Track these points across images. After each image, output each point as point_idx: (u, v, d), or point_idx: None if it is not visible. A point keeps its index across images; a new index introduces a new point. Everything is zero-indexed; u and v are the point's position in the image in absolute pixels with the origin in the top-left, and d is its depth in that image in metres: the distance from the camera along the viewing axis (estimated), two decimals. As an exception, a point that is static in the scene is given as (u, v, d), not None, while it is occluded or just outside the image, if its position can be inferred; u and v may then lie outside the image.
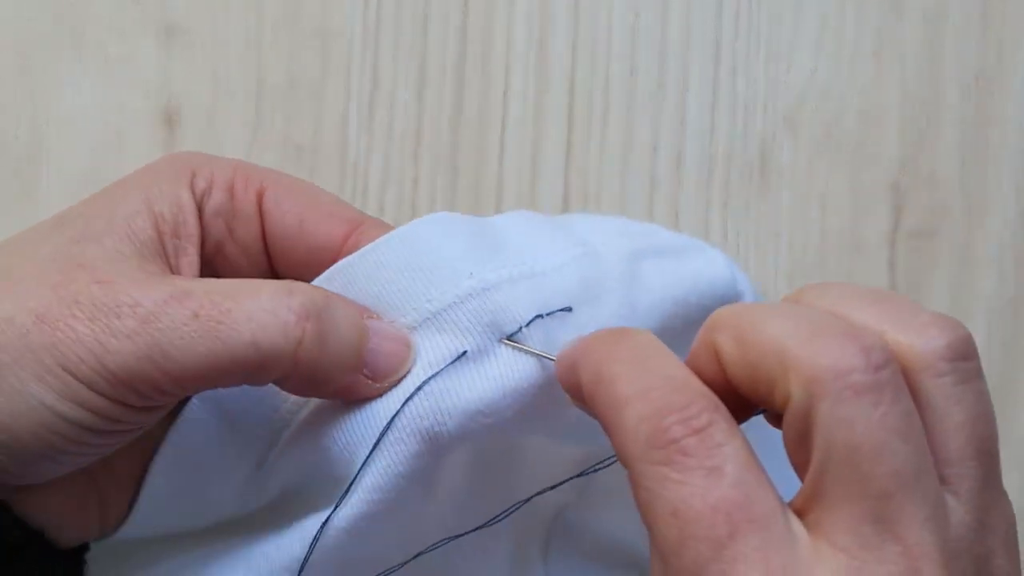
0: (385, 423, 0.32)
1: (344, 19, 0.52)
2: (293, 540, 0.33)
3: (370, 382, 0.32)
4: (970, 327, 0.50)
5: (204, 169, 0.34)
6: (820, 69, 0.52)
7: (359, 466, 0.32)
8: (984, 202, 0.51)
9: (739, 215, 0.51)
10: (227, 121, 0.52)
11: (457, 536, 0.35)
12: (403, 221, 0.35)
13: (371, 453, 0.32)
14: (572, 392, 0.30)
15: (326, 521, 0.33)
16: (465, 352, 0.32)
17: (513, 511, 0.35)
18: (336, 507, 0.32)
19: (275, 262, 0.35)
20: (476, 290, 0.32)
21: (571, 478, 0.35)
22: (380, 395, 0.32)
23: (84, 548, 0.35)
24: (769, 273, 0.51)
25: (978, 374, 0.28)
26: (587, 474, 0.34)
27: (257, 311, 0.30)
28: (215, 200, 0.34)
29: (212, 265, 0.35)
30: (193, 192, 0.33)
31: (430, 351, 0.32)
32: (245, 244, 0.34)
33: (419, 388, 0.32)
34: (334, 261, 0.34)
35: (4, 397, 0.29)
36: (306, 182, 0.35)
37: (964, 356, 0.27)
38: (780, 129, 0.52)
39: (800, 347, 0.26)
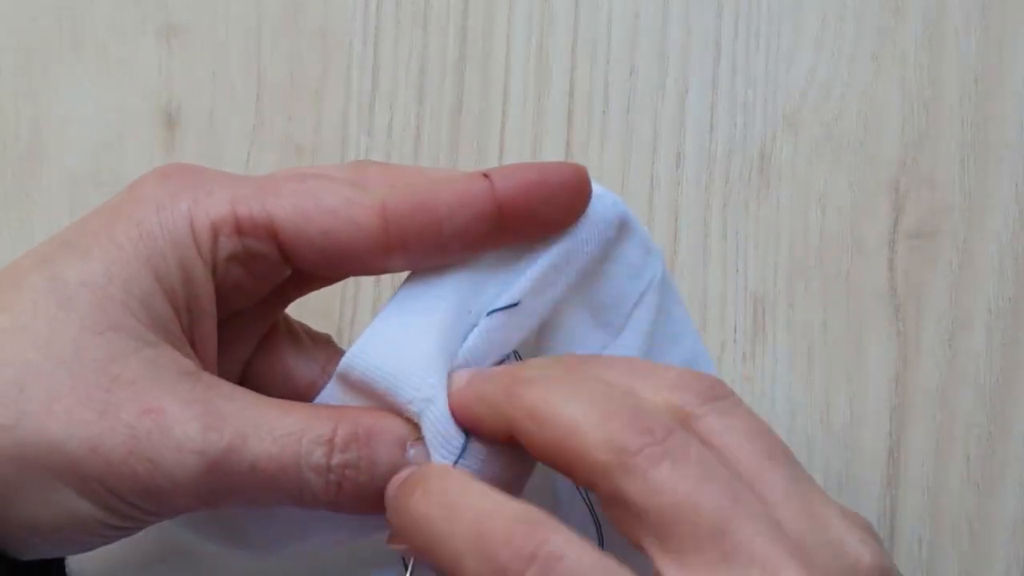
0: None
1: (344, 19, 0.52)
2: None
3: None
4: (970, 327, 0.50)
5: (199, 212, 0.32)
6: (820, 69, 0.52)
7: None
8: (984, 202, 0.51)
9: (739, 215, 0.51)
10: (227, 121, 0.52)
11: None
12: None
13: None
14: None
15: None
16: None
17: None
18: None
19: (305, 273, 0.34)
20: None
21: None
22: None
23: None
24: (769, 273, 0.51)
25: (736, 404, 0.30)
26: None
27: (298, 480, 0.31)
28: (224, 249, 0.32)
29: (227, 301, 0.33)
30: (198, 248, 0.32)
31: None
32: (269, 278, 0.33)
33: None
34: (378, 255, 0.32)
35: (52, 510, 0.29)
36: (294, 178, 0.33)
37: (717, 396, 0.30)
38: (780, 129, 0.52)
39: (594, 431, 0.28)
